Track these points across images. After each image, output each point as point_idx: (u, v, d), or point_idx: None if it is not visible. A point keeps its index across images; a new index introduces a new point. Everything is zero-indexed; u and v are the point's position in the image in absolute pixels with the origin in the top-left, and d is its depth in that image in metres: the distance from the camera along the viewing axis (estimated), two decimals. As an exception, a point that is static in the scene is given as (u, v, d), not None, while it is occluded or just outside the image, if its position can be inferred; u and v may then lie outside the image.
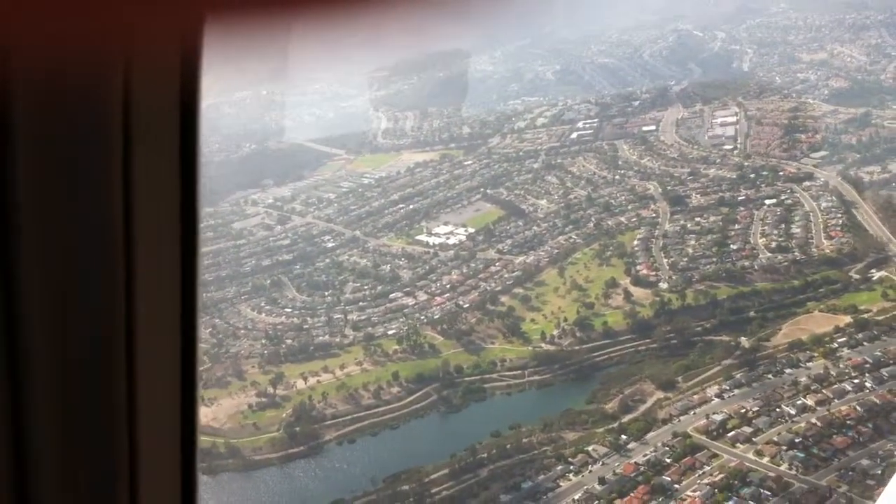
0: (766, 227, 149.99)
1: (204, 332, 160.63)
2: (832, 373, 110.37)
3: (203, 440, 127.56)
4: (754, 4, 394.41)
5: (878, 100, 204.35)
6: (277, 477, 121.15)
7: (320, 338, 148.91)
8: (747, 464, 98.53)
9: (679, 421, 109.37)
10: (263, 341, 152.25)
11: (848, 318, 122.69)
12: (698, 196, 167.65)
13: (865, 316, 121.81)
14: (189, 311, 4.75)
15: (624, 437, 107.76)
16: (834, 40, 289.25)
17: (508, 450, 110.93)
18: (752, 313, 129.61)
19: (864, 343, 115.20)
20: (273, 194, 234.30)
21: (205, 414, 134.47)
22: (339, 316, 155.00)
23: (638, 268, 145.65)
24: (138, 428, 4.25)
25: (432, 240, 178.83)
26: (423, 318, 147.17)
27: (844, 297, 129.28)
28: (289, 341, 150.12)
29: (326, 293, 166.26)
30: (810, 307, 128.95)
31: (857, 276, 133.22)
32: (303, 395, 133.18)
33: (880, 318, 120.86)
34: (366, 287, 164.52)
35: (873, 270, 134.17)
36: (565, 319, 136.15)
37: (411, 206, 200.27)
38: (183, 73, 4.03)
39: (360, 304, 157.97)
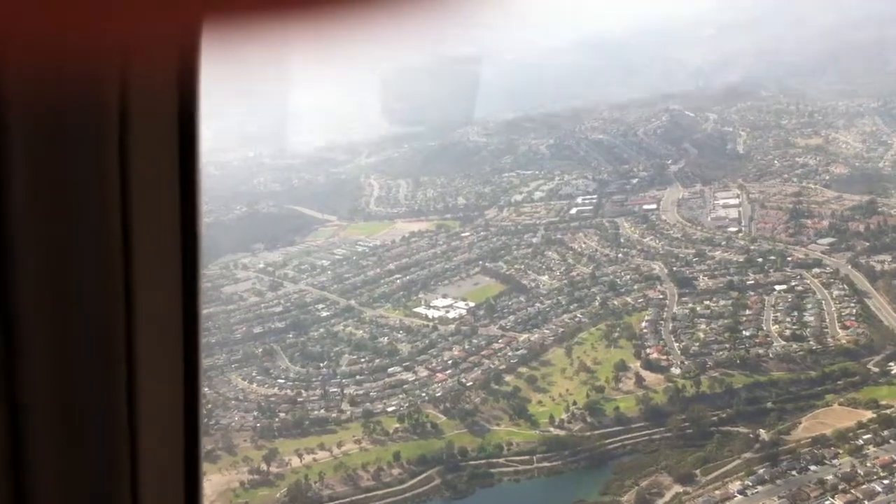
0: (778, 314, 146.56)
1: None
2: (859, 472, 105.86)
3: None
4: (744, 88, 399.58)
5: (881, 188, 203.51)
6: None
7: (315, 412, 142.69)
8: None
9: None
10: (255, 413, 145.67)
11: (870, 414, 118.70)
12: (706, 279, 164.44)
13: (888, 412, 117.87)
14: (191, 318, 4.72)
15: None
16: (828, 126, 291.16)
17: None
18: (769, 404, 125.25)
19: (891, 441, 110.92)
20: (264, 259, 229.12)
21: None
22: (335, 389, 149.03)
23: (648, 351, 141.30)
24: (139, 430, 4.30)
25: (431, 312, 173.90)
26: (423, 395, 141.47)
27: (864, 390, 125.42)
28: (282, 415, 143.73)
29: (321, 364, 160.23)
30: (829, 400, 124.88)
31: (876, 370, 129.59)
32: (298, 474, 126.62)
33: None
34: (363, 360, 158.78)
35: (892, 364, 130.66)
36: (574, 403, 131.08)
37: (408, 277, 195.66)
38: (181, 79, 4.02)
39: (357, 377, 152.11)
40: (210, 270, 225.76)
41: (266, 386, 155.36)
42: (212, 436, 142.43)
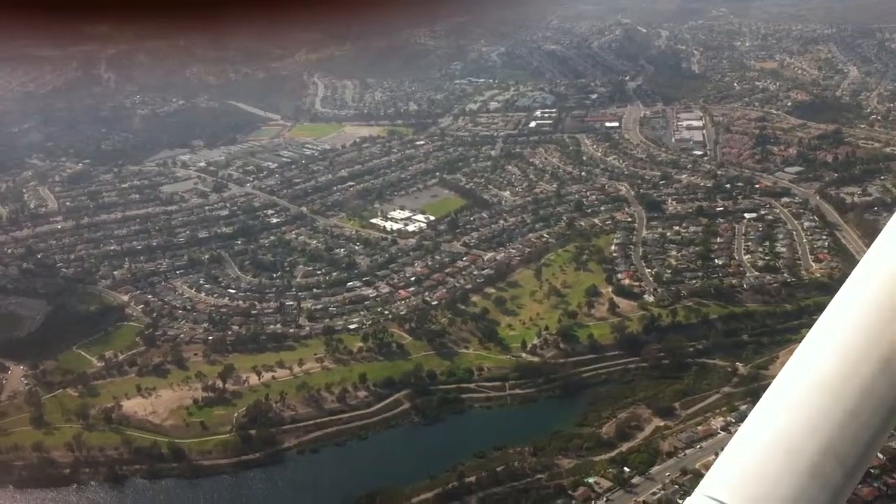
0: (749, 244, 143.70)
1: (135, 309, 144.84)
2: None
3: (142, 437, 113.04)
4: (694, 5, 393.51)
5: (844, 117, 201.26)
6: (229, 487, 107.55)
7: (272, 327, 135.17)
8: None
9: (685, 455, 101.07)
10: (206, 325, 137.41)
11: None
12: (674, 203, 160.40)
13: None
14: None
15: (627, 469, 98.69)
16: (782, 50, 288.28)
17: (498, 475, 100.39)
18: (745, 336, 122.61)
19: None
20: (205, 157, 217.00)
21: (142, 406, 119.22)
22: (291, 303, 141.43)
23: (619, 276, 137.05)
24: None
25: (389, 224, 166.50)
26: (387, 312, 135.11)
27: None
28: (236, 327, 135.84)
29: (275, 275, 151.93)
30: (805, 334, 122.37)
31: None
32: (257, 393, 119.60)
33: None
34: (319, 272, 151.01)
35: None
36: (546, 328, 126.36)
37: (362, 185, 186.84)
38: None
39: (314, 290, 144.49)
40: (147, 167, 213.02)
41: (216, 296, 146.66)
42: (159, 348, 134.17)
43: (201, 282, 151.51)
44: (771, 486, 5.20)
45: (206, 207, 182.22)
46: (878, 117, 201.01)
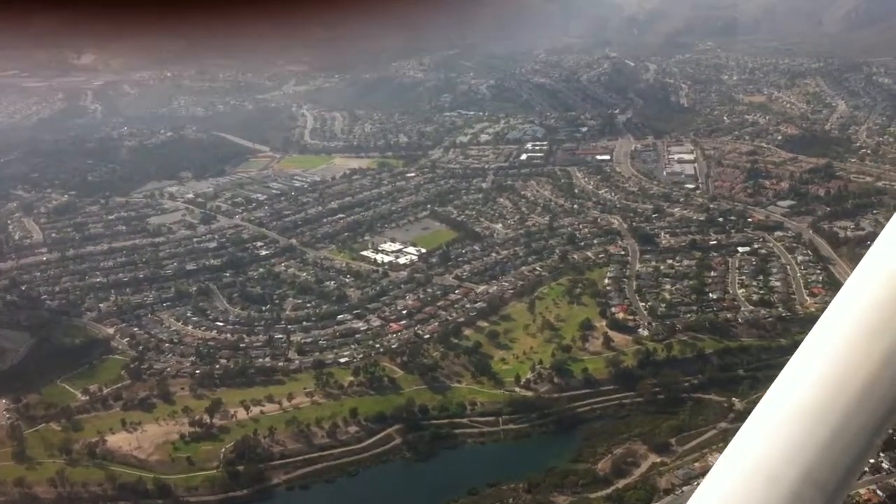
0: (743, 278, 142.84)
1: (121, 342, 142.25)
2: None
3: (126, 473, 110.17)
4: (681, 39, 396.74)
5: (834, 151, 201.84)
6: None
7: (261, 360, 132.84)
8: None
9: (683, 492, 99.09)
10: (193, 359, 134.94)
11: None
12: (667, 236, 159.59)
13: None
14: None
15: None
16: (770, 84, 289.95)
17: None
18: (741, 371, 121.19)
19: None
20: (193, 189, 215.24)
21: (127, 441, 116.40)
22: (280, 336, 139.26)
23: (613, 310, 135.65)
24: None
25: (380, 257, 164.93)
26: (378, 346, 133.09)
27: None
28: (223, 361, 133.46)
29: (264, 308, 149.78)
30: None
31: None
32: (245, 428, 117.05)
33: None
34: (308, 304, 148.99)
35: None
36: (540, 362, 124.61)
37: (352, 217, 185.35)
38: None
39: (304, 323, 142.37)
40: (134, 199, 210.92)
41: (203, 329, 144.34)
42: (145, 381, 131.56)
43: (189, 314, 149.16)
44: None
45: (195, 239, 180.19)
46: (868, 151, 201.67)
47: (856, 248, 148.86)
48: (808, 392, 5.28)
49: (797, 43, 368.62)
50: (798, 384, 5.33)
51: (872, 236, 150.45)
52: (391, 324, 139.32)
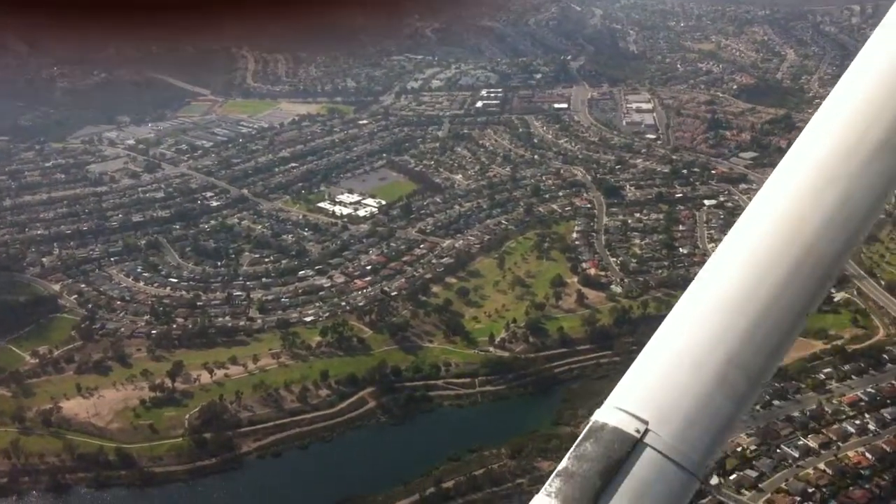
0: (712, 231, 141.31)
1: (68, 300, 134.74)
2: (827, 409, 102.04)
3: (85, 442, 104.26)
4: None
5: (791, 102, 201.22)
6: (184, 496, 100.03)
7: (221, 319, 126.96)
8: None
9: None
10: (148, 318, 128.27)
11: (821, 344, 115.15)
12: (633, 189, 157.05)
13: (839, 342, 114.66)
14: None
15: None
16: (718, 32, 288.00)
17: (477, 480, 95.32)
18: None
19: (853, 377, 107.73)
20: (133, 134, 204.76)
21: (84, 407, 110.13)
22: (239, 293, 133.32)
23: (584, 266, 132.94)
24: None
25: (338, 209, 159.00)
26: (344, 304, 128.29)
27: (810, 318, 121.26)
28: (181, 320, 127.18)
29: (219, 263, 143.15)
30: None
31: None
32: (210, 392, 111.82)
33: (856, 346, 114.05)
34: (267, 260, 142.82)
35: (833, 290, 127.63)
36: (514, 321, 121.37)
37: (305, 167, 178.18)
38: None
39: (264, 280, 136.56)
40: (71, 144, 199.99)
41: (156, 285, 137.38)
42: (98, 342, 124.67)
43: (139, 270, 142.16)
44: (678, 396, 5.38)
45: (140, 189, 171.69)
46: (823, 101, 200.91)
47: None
48: (730, 283, 5.51)
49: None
50: (721, 276, 5.59)
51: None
52: (356, 280, 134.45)
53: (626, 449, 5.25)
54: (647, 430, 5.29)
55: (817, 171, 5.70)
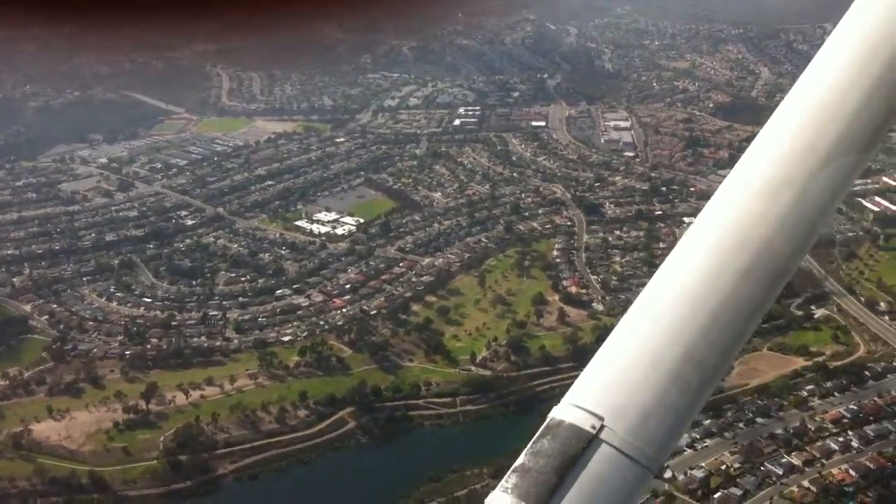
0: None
1: (39, 321, 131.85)
2: (810, 426, 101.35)
3: (57, 465, 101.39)
4: (598, 3, 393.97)
5: (766, 119, 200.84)
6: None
7: (196, 339, 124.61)
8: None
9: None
10: (121, 338, 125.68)
11: (802, 361, 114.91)
12: (612, 206, 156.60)
13: (820, 359, 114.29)
14: None
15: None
16: (692, 50, 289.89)
17: (458, 500, 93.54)
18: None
19: (835, 394, 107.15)
20: (105, 153, 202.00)
21: (55, 430, 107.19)
22: (215, 313, 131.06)
23: (565, 283, 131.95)
24: None
25: (316, 227, 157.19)
26: (322, 323, 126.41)
27: (791, 335, 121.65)
28: (155, 341, 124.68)
29: (194, 282, 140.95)
30: (757, 343, 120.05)
31: (800, 313, 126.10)
32: (185, 414, 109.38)
33: (838, 363, 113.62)
34: (243, 279, 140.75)
35: (813, 307, 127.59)
36: (495, 339, 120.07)
37: (282, 185, 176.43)
38: None
39: (240, 299, 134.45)
40: (42, 163, 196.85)
41: (130, 305, 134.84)
42: (70, 364, 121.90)
43: (112, 290, 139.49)
44: (634, 392, 5.47)
45: (113, 208, 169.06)
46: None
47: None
48: (688, 280, 5.54)
49: (712, 10, 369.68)
50: (679, 273, 5.60)
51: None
52: (334, 299, 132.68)
53: (581, 445, 5.33)
54: (602, 426, 5.35)
55: (774, 170, 5.69)
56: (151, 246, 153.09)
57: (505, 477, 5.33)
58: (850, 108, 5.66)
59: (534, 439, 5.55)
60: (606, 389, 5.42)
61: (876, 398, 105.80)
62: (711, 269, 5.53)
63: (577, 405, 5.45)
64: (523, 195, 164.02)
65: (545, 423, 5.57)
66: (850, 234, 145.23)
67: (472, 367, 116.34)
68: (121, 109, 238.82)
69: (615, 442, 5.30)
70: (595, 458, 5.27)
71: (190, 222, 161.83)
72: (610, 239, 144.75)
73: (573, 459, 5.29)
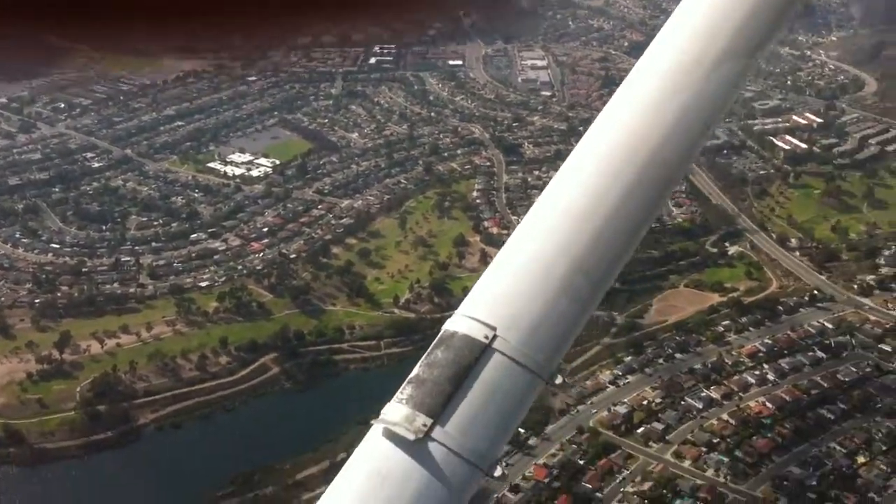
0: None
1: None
2: (727, 361, 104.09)
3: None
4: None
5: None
6: (79, 473, 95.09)
7: (109, 286, 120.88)
8: (671, 469, 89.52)
9: (578, 412, 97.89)
10: (30, 286, 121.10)
11: (717, 297, 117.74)
12: (531, 146, 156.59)
13: (735, 295, 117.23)
14: None
15: (522, 430, 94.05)
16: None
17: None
18: (617, 285, 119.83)
19: (750, 329, 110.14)
20: (4, 92, 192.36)
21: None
22: (128, 258, 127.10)
23: (486, 224, 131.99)
24: None
25: (230, 169, 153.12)
26: (241, 267, 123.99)
27: (706, 272, 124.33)
28: (66, 288, 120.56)
29: (104, 227, 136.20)
30: (674, 280, 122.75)
31: (714, 250, 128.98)
32: (102, 363, 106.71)
33: (752, 298, 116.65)
34: (156, 223, 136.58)
35: (727, 244, 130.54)
36: (418, 281, 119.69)
37: (192, 125, 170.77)
38: None
39: (154, 244, 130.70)
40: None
41: (37, 252, 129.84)
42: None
43: (17, 235, 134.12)
44: (525, 303, 5.67)
45: (14, 150, 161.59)
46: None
47: (714, 157, 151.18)
48: (578, 193, 5.84)
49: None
50: (569, 187, 5.90)
51: (728, 145, 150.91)
52: (252, 243, 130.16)
53: (475, 354, 5.52)
54: (495, 336, 5.54)
55: (662, 83, 5.96)
56: (57, 189, 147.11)
57: (400, 388, 5.53)
58: (736, 20, 6.03)
59: (428, 351, 5.69)
60: (498, 301, 5.71)
61: (789, 332, 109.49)
62: (602, 181, 5.83)
63: (470, 316, 5.70)
64: (442, 135, 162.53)
65: (439, 335, 5.75)
66: (762, 173, 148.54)
67: (396, 310, 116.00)
68: (17, 46, 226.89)
69: (507, 350, 5.55)
70: (488, 366, 5.54)
71: (97, 164, 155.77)
72: (529, 179, 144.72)
73: (466, 369, 5.51)
